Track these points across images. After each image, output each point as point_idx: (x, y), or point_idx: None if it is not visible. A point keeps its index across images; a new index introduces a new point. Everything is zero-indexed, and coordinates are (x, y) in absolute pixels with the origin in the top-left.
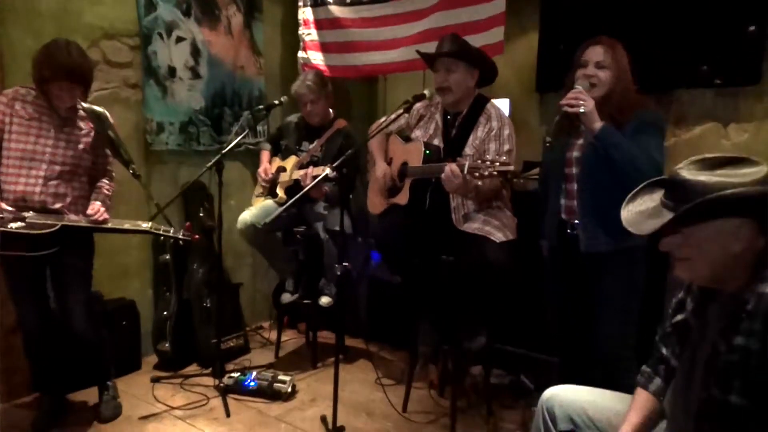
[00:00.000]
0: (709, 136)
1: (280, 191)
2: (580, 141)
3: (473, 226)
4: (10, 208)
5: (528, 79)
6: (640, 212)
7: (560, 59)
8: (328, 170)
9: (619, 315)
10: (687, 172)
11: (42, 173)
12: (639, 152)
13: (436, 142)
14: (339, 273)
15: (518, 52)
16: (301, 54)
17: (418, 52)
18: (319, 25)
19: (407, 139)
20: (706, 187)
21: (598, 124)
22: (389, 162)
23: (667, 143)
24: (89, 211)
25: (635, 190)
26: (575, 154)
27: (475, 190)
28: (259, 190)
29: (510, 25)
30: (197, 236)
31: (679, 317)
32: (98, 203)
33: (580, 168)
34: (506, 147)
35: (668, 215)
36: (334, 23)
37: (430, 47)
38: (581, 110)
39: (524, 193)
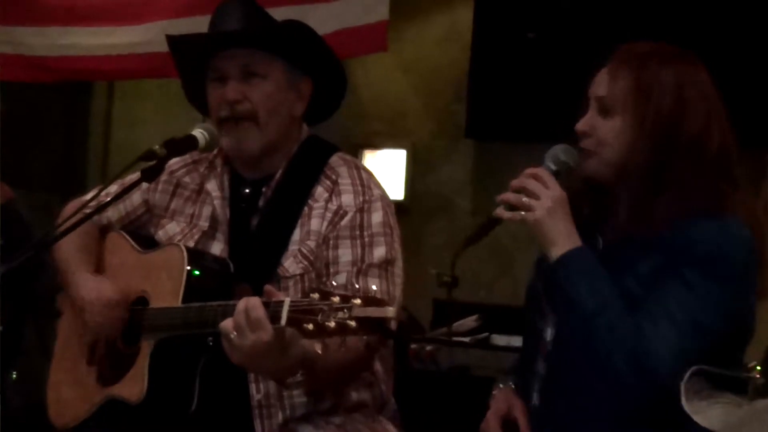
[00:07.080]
0: None
1: None
2: None
3: None
4: None
5: (448, 108)
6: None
7: (528, 62)
8: None
9: None
10: None
11: None
12: (645, 324)
13: (216, 246)
14: None
15: (426, 46)
16: None
17: (170, 37)
18: None
19: (148, 241)
20: None
21: (555, 250)
22: None
23: None
24: None
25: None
26: (549, 333)
27: (308, 363)
28: None
29: None
30: None
31: None
32: None
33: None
34: (377, 253)
35: None
36: None
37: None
38: (525, 215)
39: (433, 374)
